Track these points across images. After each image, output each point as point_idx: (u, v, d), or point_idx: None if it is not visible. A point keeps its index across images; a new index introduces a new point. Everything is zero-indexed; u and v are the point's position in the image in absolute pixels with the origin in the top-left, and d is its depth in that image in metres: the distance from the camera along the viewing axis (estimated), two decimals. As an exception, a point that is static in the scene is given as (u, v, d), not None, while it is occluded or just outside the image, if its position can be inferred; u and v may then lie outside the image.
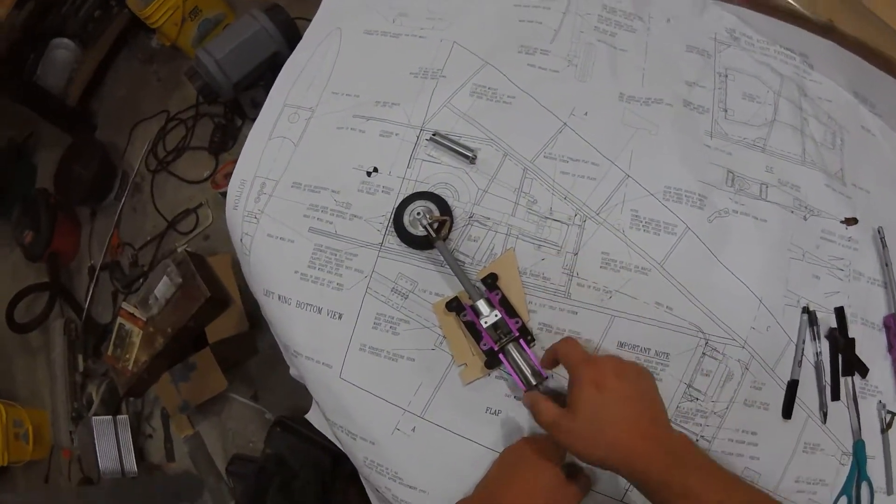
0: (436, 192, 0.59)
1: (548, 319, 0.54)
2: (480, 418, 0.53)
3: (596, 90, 0.62)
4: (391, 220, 0.58)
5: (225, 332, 1.20)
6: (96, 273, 1.61)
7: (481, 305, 0.52)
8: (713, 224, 0.57)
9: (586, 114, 0.60)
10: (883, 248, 0.60)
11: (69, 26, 1.84)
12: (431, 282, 0.57)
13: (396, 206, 0.58)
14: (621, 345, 0.53)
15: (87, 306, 1.58)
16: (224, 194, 0.68)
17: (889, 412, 0.57)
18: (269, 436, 1.01)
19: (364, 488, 0.60)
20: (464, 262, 0.56)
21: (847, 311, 0.58)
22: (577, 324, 0.54)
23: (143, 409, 1.44)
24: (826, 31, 0.68)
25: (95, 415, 1.31)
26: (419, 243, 0.57)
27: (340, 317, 0.57)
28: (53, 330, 1.49)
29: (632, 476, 0.41)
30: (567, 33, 0.65)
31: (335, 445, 0.61)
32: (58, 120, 1.79)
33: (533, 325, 0.54)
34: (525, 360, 0.51)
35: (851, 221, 0.61)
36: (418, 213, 0.57)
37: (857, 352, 0.57)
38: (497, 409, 0.53)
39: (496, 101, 0.62)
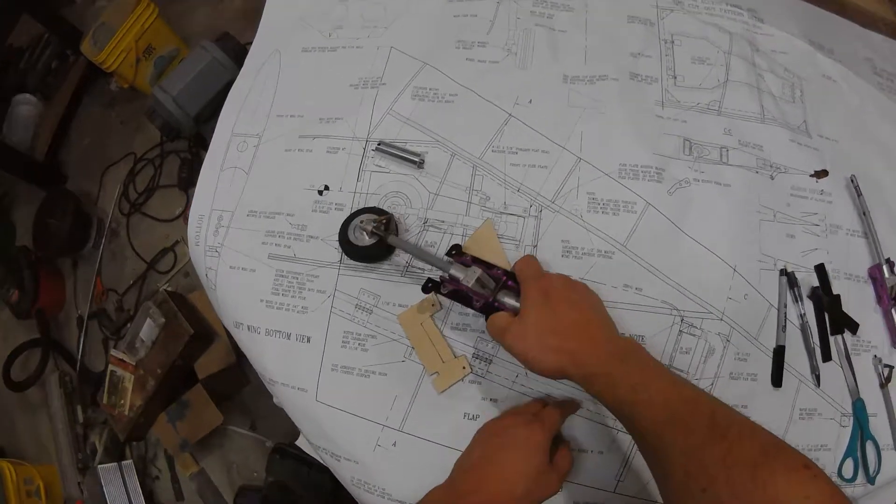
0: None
1: (515, 316, 0.55)
2: (459, 425, 0.53)
3: (538, 76, 0.62)
4: (339, 244, 0.58)
5: (213, 367, 1.23)
6: (84, 323, 1.64)
7: (456, 270, 0.51)
8: (674, 196, 0.57)
9: (531, 101, 0.61)
10: (858, 196, 0.60)
11: (29, 81, 1.90)
12: (393, 293, 0.57)
13: (339, 230, 0.58)
14: None
15: (79, 357, 1.60)
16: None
17: (886, 366, 0.57)
18: (269, 464, 1.03)
19: None
20: (423, 270, 0.57)
21: (828, 268, 0.57)
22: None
23: (146, 452, 1.46)
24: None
25: (101, 463, 1.33)
26: (372, 253, 0.57)
27: (309, 340, 0.58)
28: (50, 384, 1.52)
29: (581, 377, 0.43)
30: (503, 22, 0.65)
31: None
32: (28, 175, 1.83)
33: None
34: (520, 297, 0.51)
35: (822, 174, 0.61)
36: (361, 222, 0.57)
37: (844, 308, 0.57)
38: (475, 413, 0.54)
39: (438, 101, 0.63)
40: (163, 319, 1.02)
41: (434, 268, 0.54)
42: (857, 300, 0.58)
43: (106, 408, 1.11)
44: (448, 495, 0.47)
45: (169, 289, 1.15)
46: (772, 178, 0.60)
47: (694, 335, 0.53)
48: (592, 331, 0.44)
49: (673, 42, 0.64)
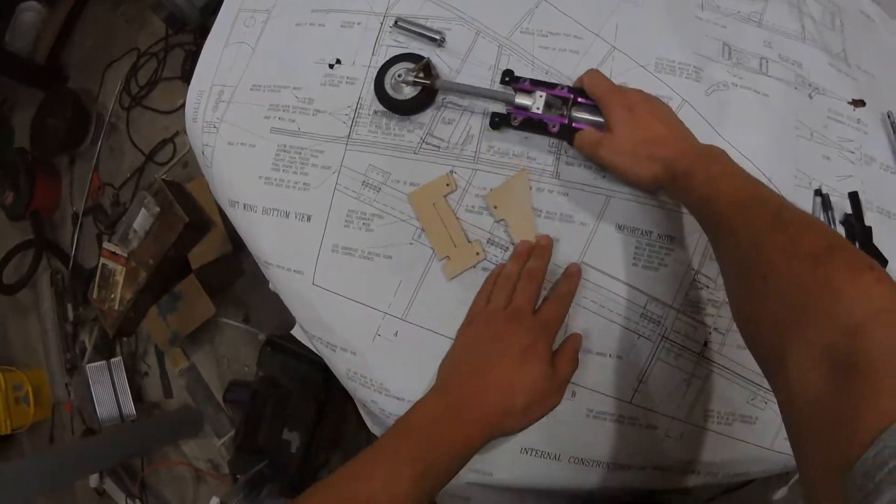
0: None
1: (536, 203, 0.47)
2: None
3: (574, -44, 0.53)
4: (373, 95, 0.50)
5: (208, 256, 1.12)
6: (79, 219, 1.53)
7: (521, 99, 0.46)
8: (711, 97, 0.49)
9: (566, -15, 0.52)
10: (894, 133, 0.53)
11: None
12: (405, 171, 0.49)
13: (374, 87, 0.50)
14: (620, 227, 0.46)
15: (73, 254, 1.49)
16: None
17: None
18: (260, 357, 0.95)
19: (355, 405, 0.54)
20: (438, 147, 0.49)
21: (862, 197, 0.50)
22: (569, 207, 0.46)
23: (136, 349, 1.37)
24: None
25: (89, 362, 1.24)
26: (416, 104, 0.49)
27: (309, 218, 0.50)
28: (41, 284, 1.41)
29: (670, 178, 0.41)
30: None
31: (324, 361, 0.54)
32: (29, 79, 1.70)
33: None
34: (596, 113, 0.46)
35: (859, 103, 0.53)
36: (399, 76, 0.49)
37: (875, 242, 0.49)
38: (485, 303, 0.46)
39: (466, -24, 0.54)
40: (157, 209, 0.91)
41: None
42: (888, 236, 0.50)
43: (96, 303, 1.01)
44: (443, 407, 0.40)
45: (166, 178, 1.03)
46: (810, 97, 0.52)
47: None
48: (679, 138, 0.43)
49: (719, -54, 0.55)
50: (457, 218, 0.47)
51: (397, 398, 0.47)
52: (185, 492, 1.31)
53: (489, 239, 0.47)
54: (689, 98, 0.48)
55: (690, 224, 0.46)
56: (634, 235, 0.46)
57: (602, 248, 0.46)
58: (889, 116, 0.54)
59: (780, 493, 0.66)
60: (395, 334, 0.47)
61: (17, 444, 1.57)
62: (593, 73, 0.46)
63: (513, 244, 0.46)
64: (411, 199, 0.48)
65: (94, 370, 1.23)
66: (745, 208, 0.36)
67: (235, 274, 1.25)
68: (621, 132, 0.44)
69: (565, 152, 0.47)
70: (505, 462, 0.46)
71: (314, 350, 0.53)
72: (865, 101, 0.54)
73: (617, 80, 0.48)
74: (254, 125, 0.54)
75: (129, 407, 1.23)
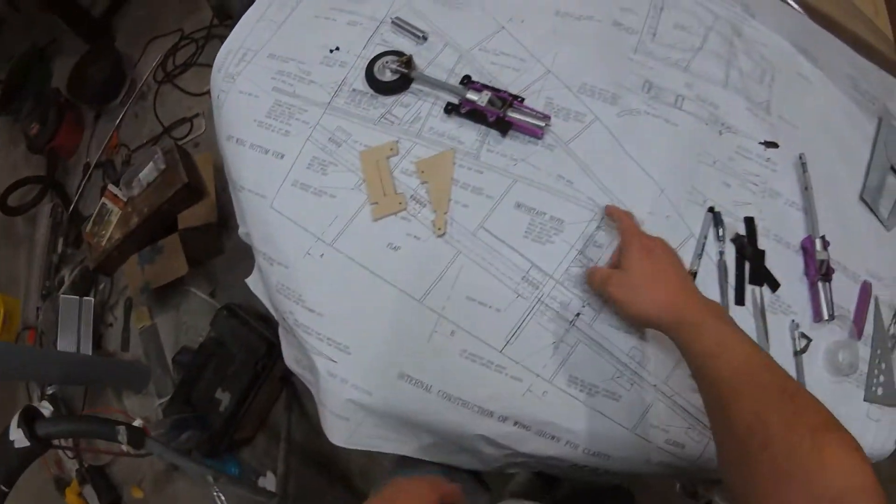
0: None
1: (456, 175, 0.67)
2: (382, 252, 0.65)
3: (535, 4, 0.75)
4: (357, 76, 0.73)
5: (195, 221, 1.35)
6: (90, 169, 1.81)
7: (471, 94, 0.67)
8: (622, 119, 0.68)
9: (523, 21, 0.74)
10: (804, 172, 0.67)
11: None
12: (363, 135, 0.70)
13: (365, 70, 0.73)
14: (518, 205, 0.64)
15: (76, 199, 1.77)
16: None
17: (804, 335, 0.62)
18: (214, 318, 1.14)
19: (292, 391, 0.69)
20: (392, 122, 0.70)
21: (758, 223, 0.64)
22: (481, 182, 0.66)
23: (108, 299, 1.60)
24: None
25: (64, 294, 1.46)
26: (394, 86, 0.71)
27: (282, 157, 0.71)
28: (41, 214, 1.68)
29: (675, 325, 0.51)
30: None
31: (272, 335, 0.71)
32: (80, 28, 2.03)
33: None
34: (527, 114, 0.66)
35: (772, 145, 0.68)
36: (386, 63, 0.72)
37: (768, 266, 0.63)
38: (398, 245, 0.65)
39: (449, 5, 0.77)
40: (163, 166, 1.16)
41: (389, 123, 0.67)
42: (783, 264, 0.64)
43: (87, 236, 1.24)
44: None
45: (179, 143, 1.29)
46: (720, 133, 0.69)
47: (609, 234, 0.63)
48: (687, 290, 0.54)
49: (662, 8, 0.76)
50: (392, 175, 0.67)
51: (309, 310, 0.66)
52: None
53: (412, 196, 0.66)
54: (601, 116, 0.68)
55: (578, 213, 0.63)
56: (530, 214, 0.64)
57: (500, 219, 0.64)
58: (801, 158, 0.68)
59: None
60: (321, 255, 0.67)
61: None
62: (628, 215, 0.60)
63: (430, 204, 0.66)
64: (362, 156, 0.69)
65: (66, 302, 1.45)
66: (754, 377, 0.45)
67: (215, 250, 1.50)
68: (635, 270, 0.55)
69: (489, 142, 0.68)
70: (383, 384, 0.63)
71: (258, 266, 0.73)
72: (780, 144, 0.68)
73: (541, 97, 0.69)
74: (262, 82, 0.77)
75: (87, 347, 1.43)
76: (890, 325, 0.66)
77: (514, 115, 0.66)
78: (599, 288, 0.58)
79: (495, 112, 0.66)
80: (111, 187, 1.22)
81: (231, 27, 0.85)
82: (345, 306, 0.66)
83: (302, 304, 0.67)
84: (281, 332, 0.75)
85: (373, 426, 0.66)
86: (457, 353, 0.62)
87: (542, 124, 0.66)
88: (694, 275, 0.63)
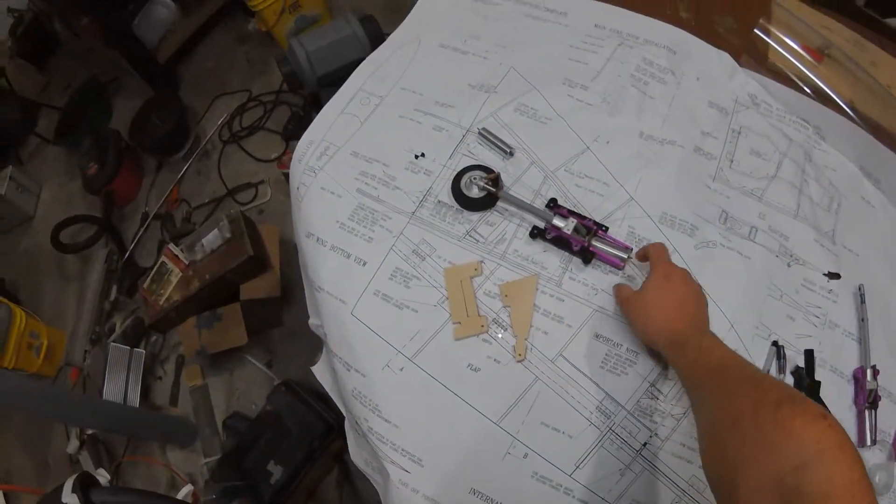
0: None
1: (538, 301, 0.69)
2: (461, 372, 0.68)
3: (620, 125, 0.78)
4: (442, 188, 0.75)
5: (258, 293, 1.39)
6: (149, 219, 1.85)
7: (558, 221, 0.70)
8: (699, 251, 0.71)
9: (608, 142, 0.77)
10: (861, 304, 0.71)
11: (174, -15, 2.12)
12: (447, 251, 0.73)
13: (451, 182, 0.75)
14: (597, 336, 0.67)
15: (132, 246, 1.81)
16: (288, 175, 0.89)
17: None
18: (272, 393, 1.17)
19: (345, 469, 0.71)
20: (477, 241, 0.73)
21: (817, 356, 0.68)
22: (562, 310, 0.68)
23: (160, 352, 1.63)
24: (846, 109, 0.83)
25: (114, 342, 1.50)
26: (479, 204, 0.73)
27: (365, 264, 0.74)
28: (95, 257, 1.72)
29: (665, 343, 0.58)
30: (607, 76, 0.82)
31: (330, 416, 0.73)
32: (144, 72, 2.07)
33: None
34: (610, 245, 0.68)
35: (834, 276, 0.73)
36: (474, 178, 0.74)
37: (822, 395, 0.66)
38: (478, 366, 0.67)
39: (535, 119, 0.80)
40: (229, 235, 1.19)
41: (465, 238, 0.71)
42: (836, 393, 0.67)
43: (144, 292, 1.28)
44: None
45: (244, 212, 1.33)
46: (788, 265, 0.72)
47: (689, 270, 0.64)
48: (693, 316, 0.59)
49: (739, 133, 0.79)
50: (475, 296, 0.70)
51: (385, 420, 0.68)
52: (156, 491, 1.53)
53: (494, 318, 0.69)
54: (679, 248, 0.70)
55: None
56: (607, 345, 0.67)
57: (579, 348, 0.66)
58: (860, 289, 0.72)
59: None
60: (401, 369, 0.69)
61: (11, 381, 1.86)
62: (659, 245, 0.64)
63: (511, 327, 0.69)
64: (446, 273, 0.71)
65: (116, 350, 1.48)
66: (727, 371, 0.51)
67: (274, 322, 1.54)
68: (649, 294, 0.61)
69: (571, 269, 0.70)
70: (454, 497, 0.65)
71: (330, 371, 0.76)
72: (842, 274, 0.72)
73: (624, 225, 0.72)
74: (345, 181, 0.80)
75: (135, 398, 1.46)
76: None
77: (598, 244, 0.69)
78: (620, 304, 0.65)
79: (580, 241, 0.69)
80: (171, 246, 1.26)
81: (303, 99, 0.87)
82: (421, 420, 0.68)
83: (378, 414, 0.70)
84: (348, 427, 0.78)
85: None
86: (528, 474, 0.65)
87: (625, 256, 0.68)
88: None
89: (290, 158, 0.87)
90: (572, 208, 0.73)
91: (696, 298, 0.61)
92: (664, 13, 0.90)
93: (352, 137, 0.84)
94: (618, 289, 0.66)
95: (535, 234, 0.71)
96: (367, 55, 0.93)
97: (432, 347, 0.69)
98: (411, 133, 0.82)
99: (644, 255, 0.67)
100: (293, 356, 1.49)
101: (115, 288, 1.69)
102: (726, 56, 0.86)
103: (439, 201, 0.76)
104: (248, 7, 1.87)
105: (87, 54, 2.31)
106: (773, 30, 0.91)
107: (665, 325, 0.59)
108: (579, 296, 0.69)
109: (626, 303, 0.64)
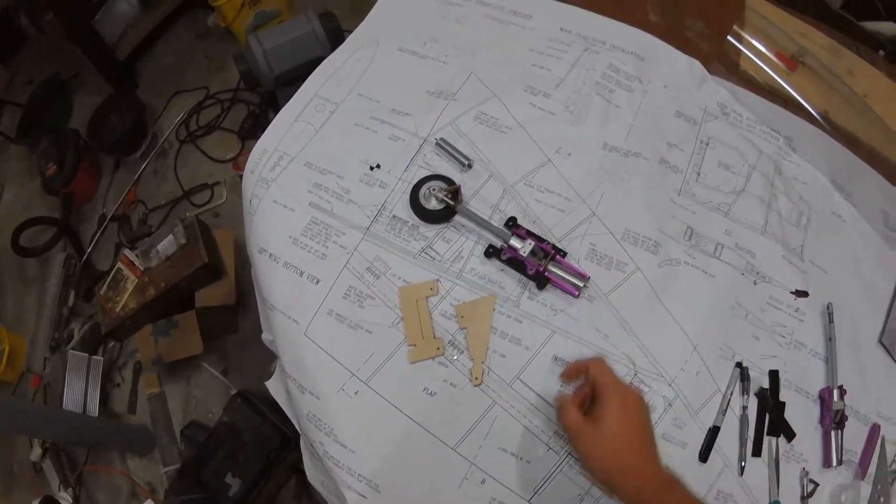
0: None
1: (495, 323, 0.67)
2: (417, 396, 0.65)
3: (583, 135, 0.76)
4: (397, 201, 0.73)
5: (213, 301, 1.37)
6: (106, 221, 1.80)
7: (515, 241, 0.67)
8: (662, 269, 0.69)
9: (570, 154, 0.74)
10: (829, 322, 0.70)
11: (136, -18, 2.05)
12: (402, 268, 0.70)
13: (410, 192, 0.72)
14: (556, 358, 0.65)
15: (89, 250, 1.76)
16: (242, 177, 0.86)
17: (812, 481, 0.65)
18: (228, 404, 1.15)
19: (302, 480, 0.69)
20: (433, 258, 0.71)
21: (782, 376, 0.67)
22: (520, 332, 0.66)
23: (117, 359, 1.59)
24: (819, 119, 0.82)
25: (73, 349, 1.46)
26: (437, 216, 0.71)
27: (318, 282, 0.71)
28: (53, 261, 1.67)
29: (626, 490, 0.53)
30: (571, 83, 0.80)
31: (287, 428, 0.70)
32: (104, 68, 2.01)
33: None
34: (566, 271, 0.66)
35: (802, 294, 0.72)
36: (433, 189, 0.71)
37: (787, 416, 0.66)
38: (433, 390, 0.65)
39: (495, 128, 0.77)
40: (184, 241, 1.15)
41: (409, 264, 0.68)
42: (801, 414, 0.67)
43: (101, 299, 1.23)
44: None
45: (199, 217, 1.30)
46: (755, 283, 0.71)
47: (642, 390, 0.64)
48: (647, 455, 0.54)
49: (708, 144, 0.77)
50: (430, 317, 0.67)
51: (341, 444, 0.66)
52: (118, 501, 1.49)
53: (450, 340, 0.66)
54: (642, 266, 0.69)
55: (615, 368, 0.63)
56: (565, 366, 0.65)
57: (537, 371, 0.64)
58: (828, 308, 0.71)
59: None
60: (356, 393, 0.66)
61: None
62: (601, 363, 0.58)
63: (468, 350, 0.67)
64: (400, 293, 0.69)
65: (75, 358, 1.44)
66: None
67: (230, 329, 1.51)
68: (607, 428, 0.54)
69: (530, 289, 0.68)
70: None
71: (285, 392, 0.73)
72: (810, 292, 0.72)
73: (585, 243, 0.70)
74: (298, 194, 0.76)
75: (94, 406, 1.42)
76: (893, 461, 0.68)
77: (554, 269, 0.66)
78: (567, 432, 0.58)
79: (535, 265, 0.66)
80: (127, 252, 1.22)
81: (260, 97, 0.84)
82: (377, 445, 0.65)
83: (334, 438, 0.67)
84: (304, 447, 0.75)
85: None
86: (486, 500, 0.63)
87: (581, 284, 0.66)
88: (716, 430, 0.65)
89: (245, 160, 0.84)
90: (531, 226, 0.70)
91: (650, 427, 0.56)
92: (633, 16, 0.88)
93: (305, 147, 0.81)
94: (563, 411, 0.57)
95: (491, 253, 0.69)
96: (326, 54, 0.89)
97: (388, 370, 0.67)
98: (366, 142, 0.79)
99: (576, 373, 0.62)
100: (249, 364, 1.48)
101: (72, 294, 1.65)
102: (696, 63, 0.84)
103: (394, 216, 0.73)
104: (209, 2, 1.80)
105: (52, 50, 2.23)
106: (745, 36, 0.90)
107: (623, 471, 0.53)
108: (538, 317, 0.67)
109: (578, 436, 0.56)
